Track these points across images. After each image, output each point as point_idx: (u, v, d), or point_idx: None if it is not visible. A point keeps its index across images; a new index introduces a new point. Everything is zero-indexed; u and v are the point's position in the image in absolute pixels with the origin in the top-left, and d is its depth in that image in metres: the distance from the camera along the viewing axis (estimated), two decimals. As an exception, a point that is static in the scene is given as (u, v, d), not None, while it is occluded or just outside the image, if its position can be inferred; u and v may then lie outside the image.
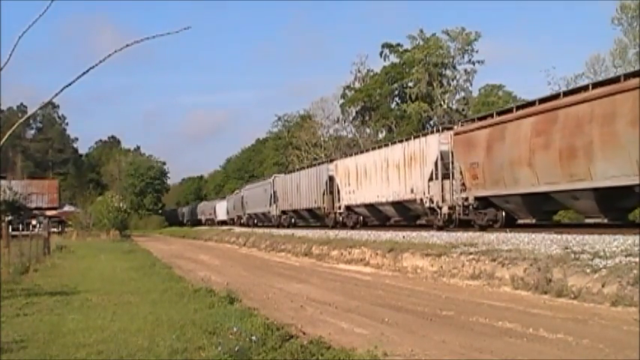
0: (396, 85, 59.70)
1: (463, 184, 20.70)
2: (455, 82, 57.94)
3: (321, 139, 66.04)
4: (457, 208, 21.20)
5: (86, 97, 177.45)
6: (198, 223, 77.42)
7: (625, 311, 8.64)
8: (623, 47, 41.02)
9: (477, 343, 7.20)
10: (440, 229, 21.61)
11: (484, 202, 19.90)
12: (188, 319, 8.41)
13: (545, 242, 13.16)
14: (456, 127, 22.41)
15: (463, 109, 54.74)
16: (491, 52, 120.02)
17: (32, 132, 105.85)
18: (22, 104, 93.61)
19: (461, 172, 20.86)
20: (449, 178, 21.88)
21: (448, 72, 57.62)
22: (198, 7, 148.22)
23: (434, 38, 57.08)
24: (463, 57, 57.01)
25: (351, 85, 63.82)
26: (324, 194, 33.56)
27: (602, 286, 9.46)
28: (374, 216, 29.25)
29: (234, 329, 7.43)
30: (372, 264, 17.16)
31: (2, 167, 64.15)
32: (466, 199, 20.52)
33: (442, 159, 22.21)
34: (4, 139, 7.34)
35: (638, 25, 39.86)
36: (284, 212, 41.65)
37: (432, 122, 55.12)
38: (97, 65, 6.54)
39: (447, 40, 56.72)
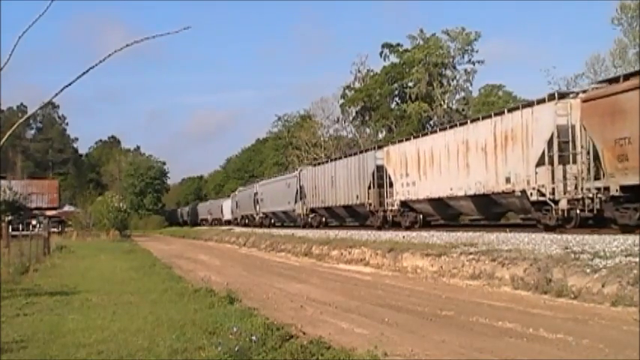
0: (396, 85, 59.64)
1: (597, 169, 15.82)
2: (455, 82, 57.88)
3: (321, 139, 65.97)
4: (585, 202, 16.11)
5: (90, 97, 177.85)
6: (199, 223, 76.42)
7: (625, 311, 8.64)
8: (623, 47, 41.01)
9: (477, 343, 7.20)
10: (550, 229, 17.01)
11: (637, 192, 14.24)
12: (188, 319, 8.41)
13: (545, 242, 13.16)
14: (583, 92, 17.43)
15: (463, 109, 54.71)
16: (491, 52, 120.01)
17: (32, 132, 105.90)
18: (22, 104, 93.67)
19: (589, 153, 16.08)
20: (569, 161, 16.87)
21: (448, 72, 57.56)
22: (203, 7, 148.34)
23: (434, 38, 57.03)
24: (463, 57, 56.96)
25: (351, 85, 63.80)
26: (369, 188, 27.87)
27: (602, 286, 9.47)
28: (440, 213, 24.15)
29: (234, 329, 7.42)
30: (372, 264, 17.16)
31: (2, 167, 64.09)
32: (604, 189, 15.17)
33: (559, 136, 17.00)
34: (4, 139, 7.35)
35: (638, 25, 39.86)
36: (313, 210, 36.08)
37: (432, 122, 55.13)
38: (97, 65, 6.54)
39: (447, 40, 56.66)
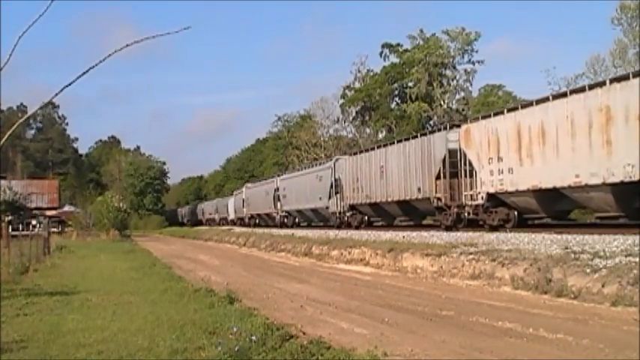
0: (396, 85, 59.71)
1: None
2: (455, 82, 57.95)
3: (321, 139, 66.01)
4: None
5: (93, 96, 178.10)
6: (205, 223, 74.88)
7: (625, 311, 8.63)
8: (623, 47, 41.03)
9: (477, 343, 7.20)
10: None
11: None
12: (188, 319, 8.41)
13: (545, 242, 13.16)
14: None
15: (463, 109, 54.74)
16: (491, 52, 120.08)
17: (32, 132, 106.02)
18: (22, 104, 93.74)
19: None
20: None
21: (448, 72, 57.63)
22: (204, 7, 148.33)
23: (434, 38, 57.08)
24: (463, 57, 57.05)
25: (351, 85, 63.85)
26: (437, 178, 22.37)
27: (602, 286, 9.46)
28: (548, 209, 18.73)
29: (234, 329, 7.43)
30: (372, 264, 17.15)
31: (2, 167, 64.09)
32: None
33: None
34: (4, 139, 7.35)
35: (638, 25, 39.87)
36: (353, 208, 30.44)
37: (432, 122, 55.15)
38: (96, 65, 6.55)
39: (447, 40, 56.75)
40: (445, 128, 23.17)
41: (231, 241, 38.09)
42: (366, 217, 29.88)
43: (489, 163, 19.67)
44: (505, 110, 19.84)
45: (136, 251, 30.10)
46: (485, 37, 58.01)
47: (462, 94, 58.11)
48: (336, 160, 33.49)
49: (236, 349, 6.36)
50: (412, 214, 26.73)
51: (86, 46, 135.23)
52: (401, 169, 25.29)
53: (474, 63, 56.89)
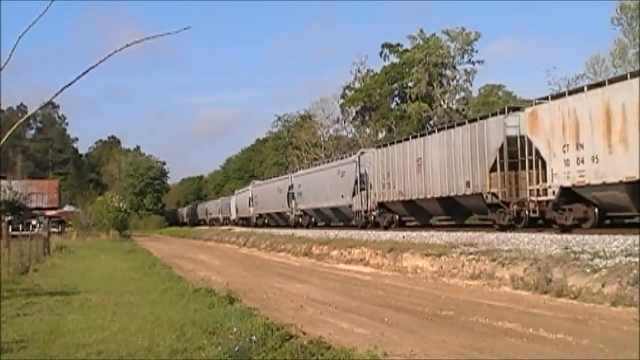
0: (396, 85, 59.68)
1: None
2: (455, 82, 57.89)
3: (321, 139, 66.02)
4: None
5: (94, 96, 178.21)
6: (209, 223, 73.55)
7: (625, 311, 8.64)
8: (622, 47, 41.03)
9: (477, 343, 7.20)
10: None
11: None
12: (188, 319, 8.41)
13: (545, 242, 13.15)
14: None
15: (463, 109, 54.74)
16: (491, 52, 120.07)
17: (32, 132, 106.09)
18: (22, 104, 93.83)
19: None
20: None
21: (448, 72, 57.58)
22: (205, 7, 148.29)
23: (434, 38, 57.05)
24: (463, 57, 56.99)
25: (351, 85, 63.86)
26: (492, 170, 19.25)
27: (602, 286, 9.47)
28: None
29: (234, 329, 7.43)
30: (372, 264, 17.15)
31: (2, 167, 64.10)
32: None
33: None
34: (4, 139, 7.34)
35: (638, 25, 39.87)
36: (382, 206, 27.08)
37: (432, 122, 55.14)
38: (97, 65, 6.53)
39: (447, 40, 56.69)
40: (504, 112, 19.56)
41: (231, 241, 38.09)
42: (397, 217, 26.67)
43: (564, 151, 16.31)
44: (585, 87, 16.55)
45: (135, 251, 30.10)
46: (485, 37, 58.29)
47: (462, 94, 58.09)
48: (361, 153, 30.34)
49: (236, 349, 6.36)
50: (455, 212, 23.58)
51: (91, 46, 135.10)
52: (444, 162, 22.07)
53: (473, 63, 56.92)
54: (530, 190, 17.78)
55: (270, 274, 17.43)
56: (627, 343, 6.89)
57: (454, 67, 57.52)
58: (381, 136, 59.20)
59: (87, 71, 6.53)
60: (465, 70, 57.43)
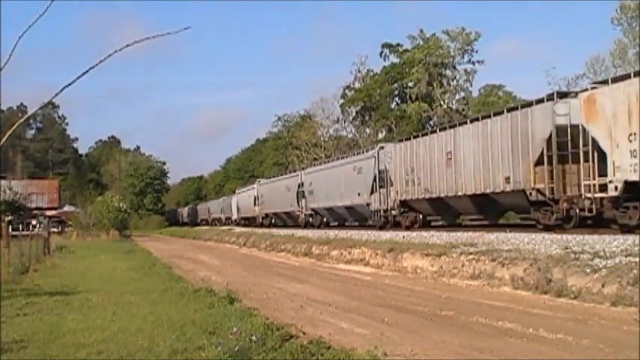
0: (396, 85, 59.67)
1: None
2: (455, 82, 57.90)
3: (321, 139, 66.02)
4: None
5: (95, 96, 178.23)
6: (211, 223, 72.54)
7: (625, 311, 8.64)
8: (622, 47, 41.05)
9: (477, 343, 7.20)
10: None
11: None
12: (188, 319, 8.41)
13: (545, 242, 13.14)
14: None
15: (463, 109, 54.74)
16: (491, 52, 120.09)
17: (32, 132, 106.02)
18: (22, 104, 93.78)
19: None
20: None
21: (448, 72, 57.59)
22: (207, 7, 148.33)
23: (434, 38, 57.04)
24: (463, 57, 56.99)
25: (351, 85, 63.86)
26: (536, 164, 17.23)
27: (602, 286, 9.46)
28: None
29: (234, 329, 7.43)
30: (372, 264, 17.16)
31: (2, 167, 64.12)
32: None
33: None
34: (4, 139, 7.34)
35: (638, 25, 39.88)
36: (405, 204, 24.97)
37: (432, 122, 55.13)
38: (97, 65, 6.54)
39: (447, 40, 56.70)
40: (553, 99, 17.15)
41: (231, 241, 38.10)
42: (421, 216, 24.65)
43: (630, 141, 14.01)
44: None
45: (135, 251, 30.10)
46: (485, 37, 58.31)
47: (462, 94, 58.11)
48: (381, 147, 27.90)
49: (236, 349, 6.35)
50: (490, 211, 21.54)
51: (92, 46, 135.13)
52: (478, 155, 19.95)
53: (473, 63, 56.92)
54: (586, 186, 15.56)
55: (270, 274, 17.44)
56: (627, 343, 6.89)
57: (454, 67, 57.55)
58: (381, 136, 59.18)
59: (87, 71, 6.53)
60: (465, 70, 57.49)
